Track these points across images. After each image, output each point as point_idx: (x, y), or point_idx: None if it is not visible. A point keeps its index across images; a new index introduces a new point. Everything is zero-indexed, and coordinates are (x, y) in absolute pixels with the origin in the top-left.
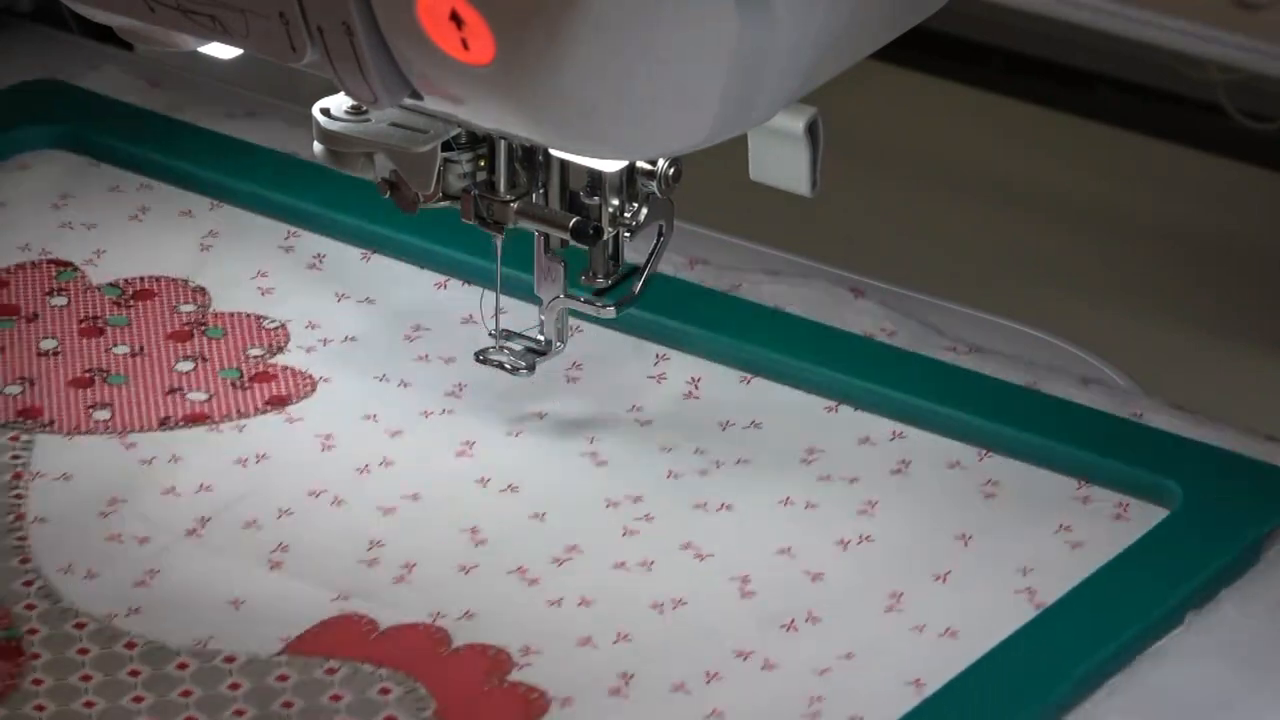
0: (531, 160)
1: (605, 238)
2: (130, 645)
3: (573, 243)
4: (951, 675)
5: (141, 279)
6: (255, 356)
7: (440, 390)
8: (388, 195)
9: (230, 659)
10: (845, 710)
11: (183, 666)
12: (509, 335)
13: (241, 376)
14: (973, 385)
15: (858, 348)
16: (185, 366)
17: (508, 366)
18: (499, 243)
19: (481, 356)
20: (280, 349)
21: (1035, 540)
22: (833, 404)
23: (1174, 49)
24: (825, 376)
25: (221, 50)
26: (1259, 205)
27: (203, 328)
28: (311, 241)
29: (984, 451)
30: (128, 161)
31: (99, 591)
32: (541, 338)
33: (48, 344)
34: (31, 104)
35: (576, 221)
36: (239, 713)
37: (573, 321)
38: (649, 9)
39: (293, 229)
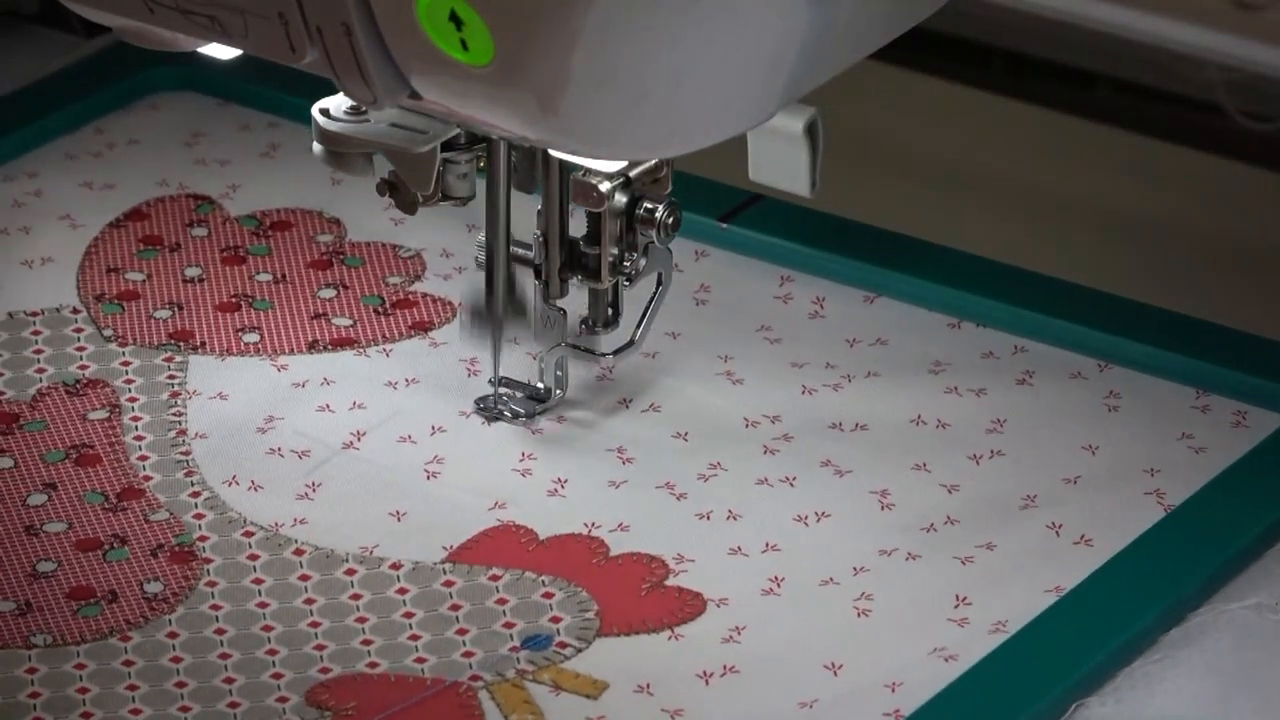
0: (531, 158)
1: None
2: (299, 552)
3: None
4: (1088, 573)
5: (278, 211)
6: (394, 284)
7: (576, 313)
8: (387, 196)
9: (396, 565)
10: (990, 608)
11: (351, 573)
12: (509, 383)
13: (383, 303)
14: (1090, 300)
15: (975, 266)
16: (327, 294)
17: (508, 415)
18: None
19: (482, 404)
20: (418, 276)
21: (1159, 446)
22: (955, 320)
23: (1174, 49)
24: (946, 295)
25: (221, 50)
26: (1259, 205)
27: (341, 257)
28: None
29: (1104, 363)
30: (255, 102)
31: (264, 502)
32: (541, 385)
33: (192, 272)
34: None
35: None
36: (408, 615)
37: (696, 246)
38: (648, 9)
39: None
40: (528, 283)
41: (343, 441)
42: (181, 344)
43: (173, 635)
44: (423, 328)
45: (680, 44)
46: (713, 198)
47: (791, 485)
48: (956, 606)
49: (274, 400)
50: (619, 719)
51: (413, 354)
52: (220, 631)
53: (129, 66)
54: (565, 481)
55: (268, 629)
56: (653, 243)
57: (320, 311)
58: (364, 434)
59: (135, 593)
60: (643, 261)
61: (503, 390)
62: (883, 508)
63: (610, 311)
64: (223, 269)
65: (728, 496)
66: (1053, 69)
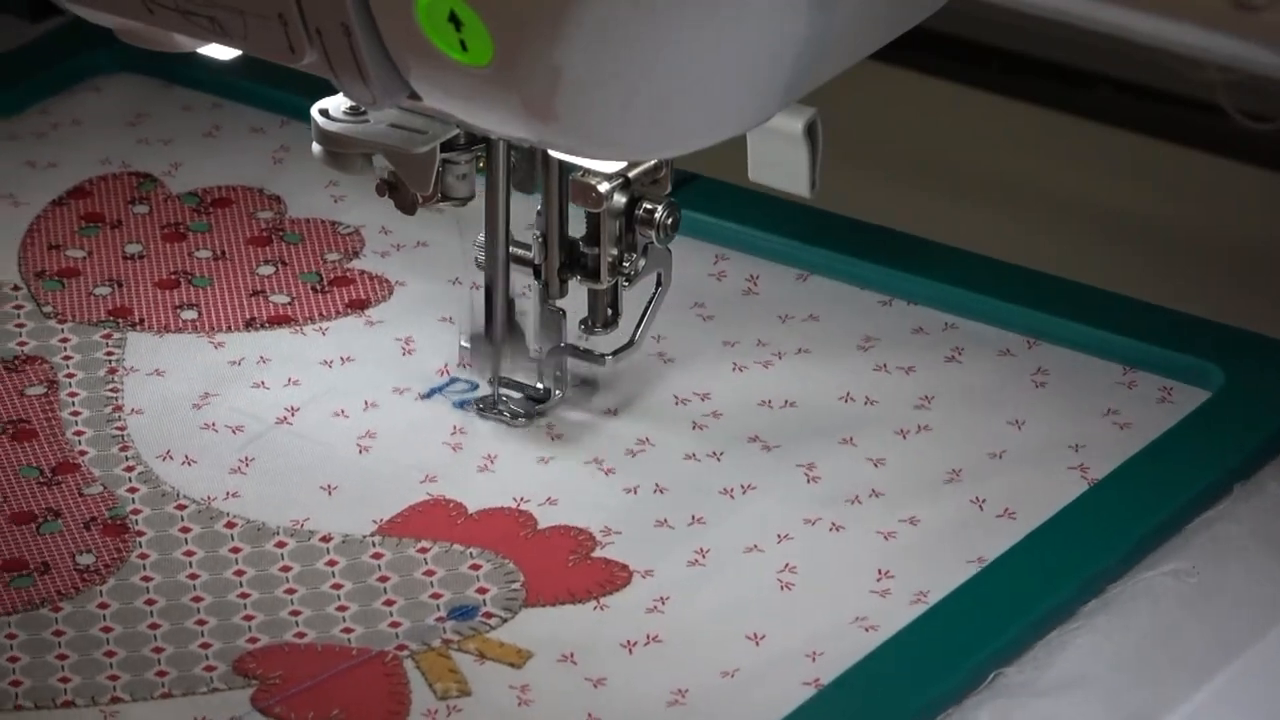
0: (530, 158)
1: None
2: (230, 525)
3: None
4: (1009, 546)
5: (219, 188)
6: (333, 261)
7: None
8: (386, 196)
9: (326, 538)
10: (912, 579)
11: (281, 545)
12: (509, 384)
13: (321, 280)
14: (1019, 278)
15: (908, 245)
16: (266, 270)
17: (507, 415)
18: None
19: (481, 405)
20: (356, 254)
21: (1085, 422)
22: (886, 298)
23: (1174, 49)
24: (879, 273)
25: (220, 51)
26: (1259, 205)
27: (280, 233)
28: None
29: (1033, 340)
30: (198, 83)
31: (197, 476)
32: (540, 386)
33: (133, 249)
34: (101, 29)
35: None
36: (336, 586)
37: None
38: (648, 10)
39: None
40: (528, 304)
41: (276, 417)
42: (120, 321)
43: (103, 606)
44: (359, 306)
45: (680, 44)
46: None
47: (718, 460)
48: (879, 579)
49: (210, 377)
50: (542, 688)
51: (348, 332)
52: (150, 602)
53: (73, 50)
54: (495, 457)
55: (197, 600)
56: (652, 243)
57: (259, 289)
58: (297, 409)
59: (67, 564)
60: (642, 262)
61: (502, 390)
62: (809, 480)
63: (610, 312)
64: (163, 246)
65: (655, 471)
66: (1053, 69)
